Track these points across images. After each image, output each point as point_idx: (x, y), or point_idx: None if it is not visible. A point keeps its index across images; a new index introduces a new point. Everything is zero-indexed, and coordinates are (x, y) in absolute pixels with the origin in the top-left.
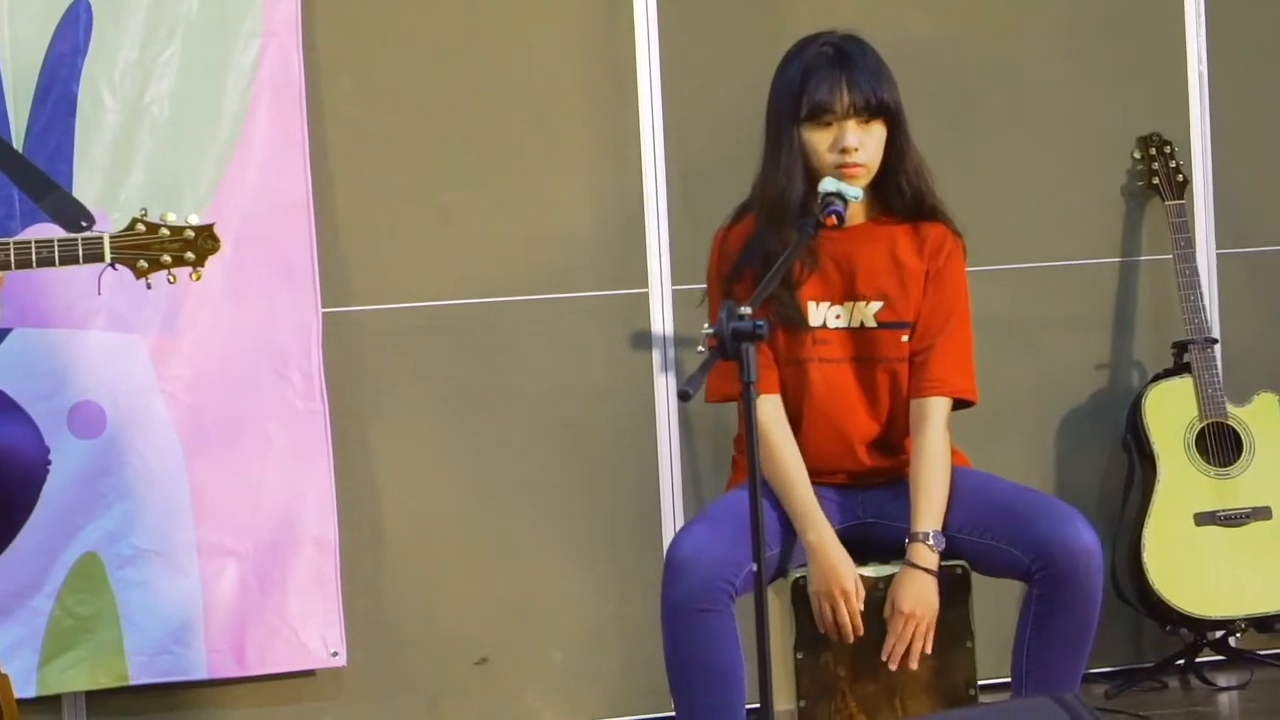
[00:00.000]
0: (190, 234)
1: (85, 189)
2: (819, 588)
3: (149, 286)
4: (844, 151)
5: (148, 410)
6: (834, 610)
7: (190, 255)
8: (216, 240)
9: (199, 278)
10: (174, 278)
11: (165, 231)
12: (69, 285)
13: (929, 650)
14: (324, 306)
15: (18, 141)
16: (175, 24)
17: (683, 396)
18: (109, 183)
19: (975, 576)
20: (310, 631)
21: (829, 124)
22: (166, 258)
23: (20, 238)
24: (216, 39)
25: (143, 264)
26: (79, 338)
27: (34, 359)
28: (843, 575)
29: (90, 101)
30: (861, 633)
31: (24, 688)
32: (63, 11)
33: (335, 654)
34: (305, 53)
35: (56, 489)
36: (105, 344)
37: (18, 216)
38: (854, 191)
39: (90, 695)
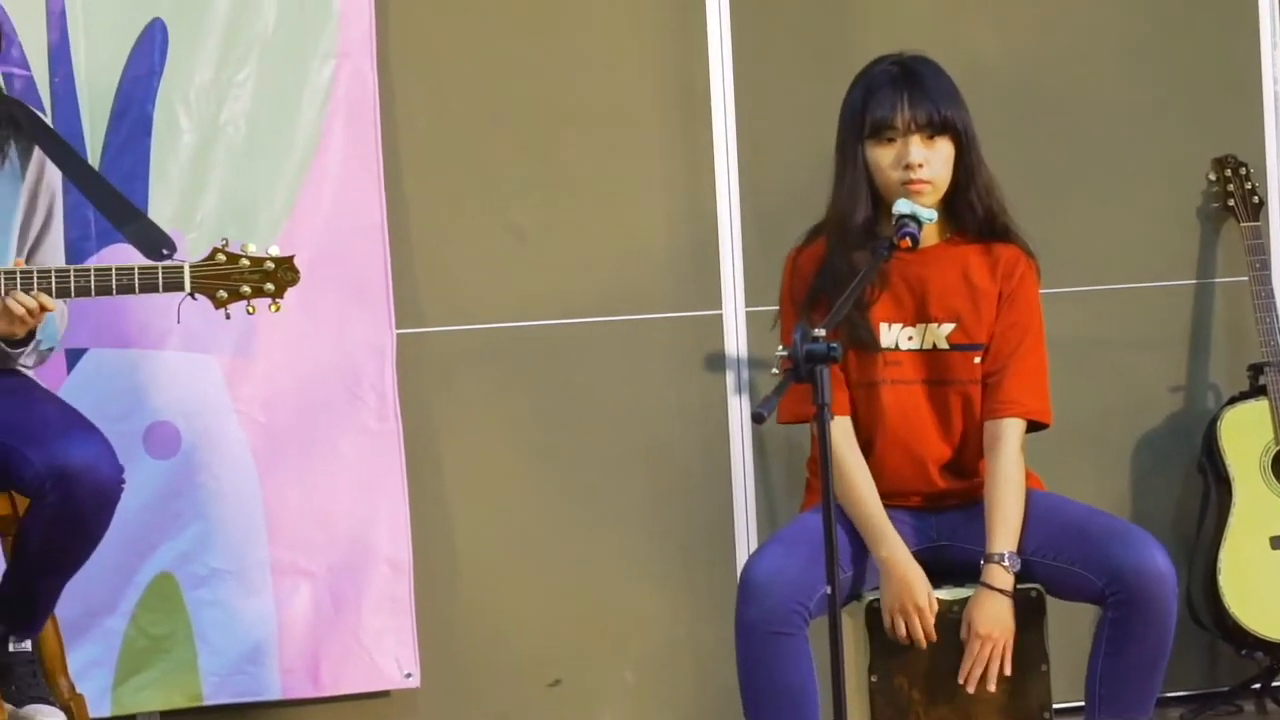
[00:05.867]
0: (270, 265)
1: (160, 210)
2: (892, 603)
3: (228, 316)
4: (908, 167)
5: (222, 430)
6: (907, 626)
7: (269, 286)
8: (296, 272)
9: (278, 309)
10: (253, 308)
11: (245, 262)
12: (145, 305)
13: (1007, 671)
14: (398, 327)
15: (93, 162)
16: (250, 45)
17: (757, 419)
18: (184, 204)
19: (1050, 600)
20: (384, 652)
21: (891, 140)
22: (246, 288)
23: (100, 264)
24: (292, 60)
25: (222, 294)
26: (154, 358)
27: (110, 379)
28: (916, 590)
29: (166, 123)
30: (934, 639)
31: (99, 707)
32: (138, 33)
33: (409, 675)
34: (380, 73)
35: (131, 509)
36: (180, 364)
37: (93, 237)
38: (928, 213)
39: (165, 715)
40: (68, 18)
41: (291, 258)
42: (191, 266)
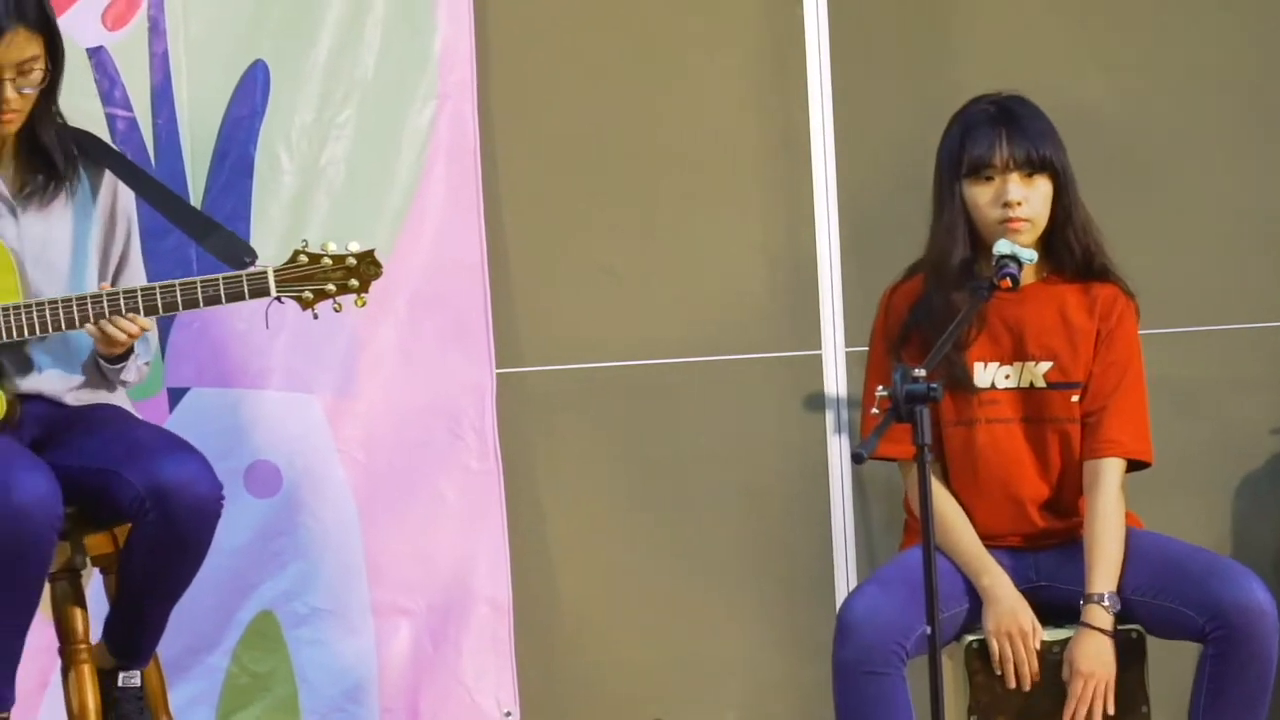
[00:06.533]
0: (352, 261)
1: (262, 250)
2: (997, 627)
3: (315, 316)
4: (1006, 205)
5: (323, 469)
6: (1013, 650)
7: (354, 282)
8: (378, 265)
9: (363, 304)
10: (339, 306)
11: (327, 260)
12: (244, 343)
13: (1110, 710)
14: (498, 367)
15: (196, 203)
16: (351, 87)
17: (856, 459)
18: (285, 244)
19: (1151, 640)
20: (484, 691)
21: (990, 178)
22: (331, 286)
23: (185, 279)
24: (392, 102)
25: (308, 294)
26: (255, 397)
27: (211, 418)
28: (1020, 615)
29: (267, 163)
30: (1038, 677)
31: None
32: (240, 75)
33: (509, 714)
34: (480, 116)
35: (233, 547)
36: (281, 403)
37: (195, 276)
38: (1029, 254)
39: None
40: (170, 60)
41: (373, 251)
42: (275, 270)
